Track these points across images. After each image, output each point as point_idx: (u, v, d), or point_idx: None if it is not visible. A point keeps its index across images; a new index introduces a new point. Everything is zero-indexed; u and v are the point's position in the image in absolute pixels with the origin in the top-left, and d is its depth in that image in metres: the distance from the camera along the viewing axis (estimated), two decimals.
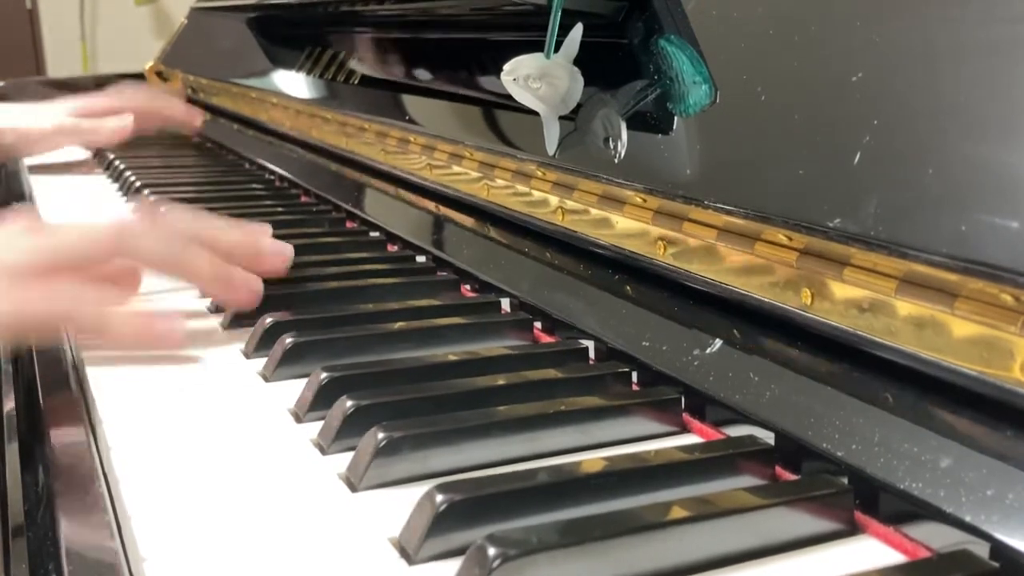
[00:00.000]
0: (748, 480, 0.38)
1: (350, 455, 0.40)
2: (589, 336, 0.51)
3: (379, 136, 0.83)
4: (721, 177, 0.44)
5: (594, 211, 0.53)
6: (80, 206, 1.02)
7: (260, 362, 0.52)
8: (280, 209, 0.91)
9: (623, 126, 0.50)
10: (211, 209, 0.88)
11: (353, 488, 0.38)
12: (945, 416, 0.34)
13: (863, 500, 0.35)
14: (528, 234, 0.61)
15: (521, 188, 0.60)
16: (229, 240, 0.59)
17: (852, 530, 0.35)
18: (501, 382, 0.46)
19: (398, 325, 0.55)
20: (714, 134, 0.46)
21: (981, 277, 0.32)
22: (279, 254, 0.60)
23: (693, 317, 0.46)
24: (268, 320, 0.54)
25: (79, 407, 0.48)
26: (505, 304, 0.59)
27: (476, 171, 0.66)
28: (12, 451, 0.47)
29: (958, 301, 0.33)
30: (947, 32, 0.36)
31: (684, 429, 0.44)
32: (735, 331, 0.44)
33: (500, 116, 0.65)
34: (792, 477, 0.38)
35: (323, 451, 0.42)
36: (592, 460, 0.38)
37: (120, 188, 1.07)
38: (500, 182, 0.63)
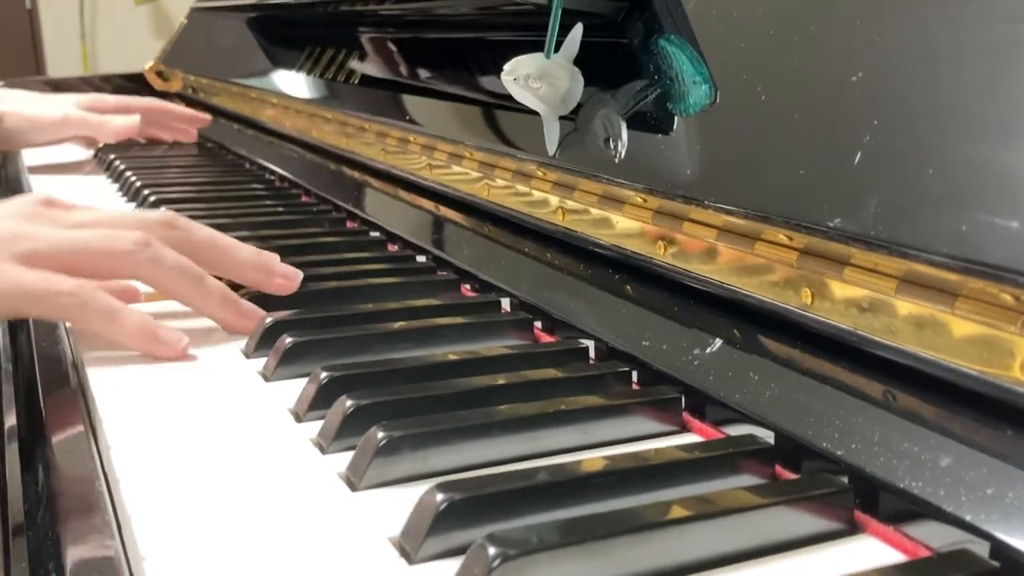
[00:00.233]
0: (748, 479, 0.38)
1: (350, 454, 0.40)
2: (589, 336, 0.51)
3: (379, 136, 0.83)
4: (721, 177, 0.44)
5: (594, 211, 0.53)
6: None
7: (260, 362, 0.52)
8: (280, 209, 0.91)
9: (623, 126, 0.51)
10: (211, 209, 0.89)
11: (353, 487, 0.38)
12: (945, 415, 0.34)
13: (863, 499, 0.35)
14: (528, 234, 0.61)
15: (521, 188, 0.60)
16: (242, 255, 0.59)
17: (852, 529, 0.35)
18: (501, 381, 0.46)
19: (398, 325, 0.55)
20: (714, 134, 0.46)
21: (981, 277, 0.32)
22: (290, 277, 0.60)
23: (693, 317, 0.46)
24: (268, 320, 0.55)
25: (79, 407, 0.48)
26: (505, 304, 0.59)
27: (476, 171, 0.66)
28: (12, 451, 0.47)
29: (958, 301, 0.33)
30: (947, 32, 0.36)
31: (684, 428, 0.44)
32: (735, 331, 0.44)
33: (500, 116, 0.65)
34: (792, 476, 0.38)
35: (323, 450, 0.42)
36: (592, 459, 0.38)
37: (120, 188, 1.07)
38: (500, 182, 0.63)
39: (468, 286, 0.64)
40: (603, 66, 0.53)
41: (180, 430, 0.44)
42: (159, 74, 1.62)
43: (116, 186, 1.10)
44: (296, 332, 0.51)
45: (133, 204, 0.99)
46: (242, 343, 0.55)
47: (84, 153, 1.32)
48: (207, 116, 1.38)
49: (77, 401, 0.49)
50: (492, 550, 0.30)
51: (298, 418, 0.45)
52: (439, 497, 0.33)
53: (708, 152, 0.46)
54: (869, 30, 0.39)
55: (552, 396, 0.44)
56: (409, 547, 0.33)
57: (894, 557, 0.33)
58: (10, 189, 1.14)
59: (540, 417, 0.42)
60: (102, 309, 0.53)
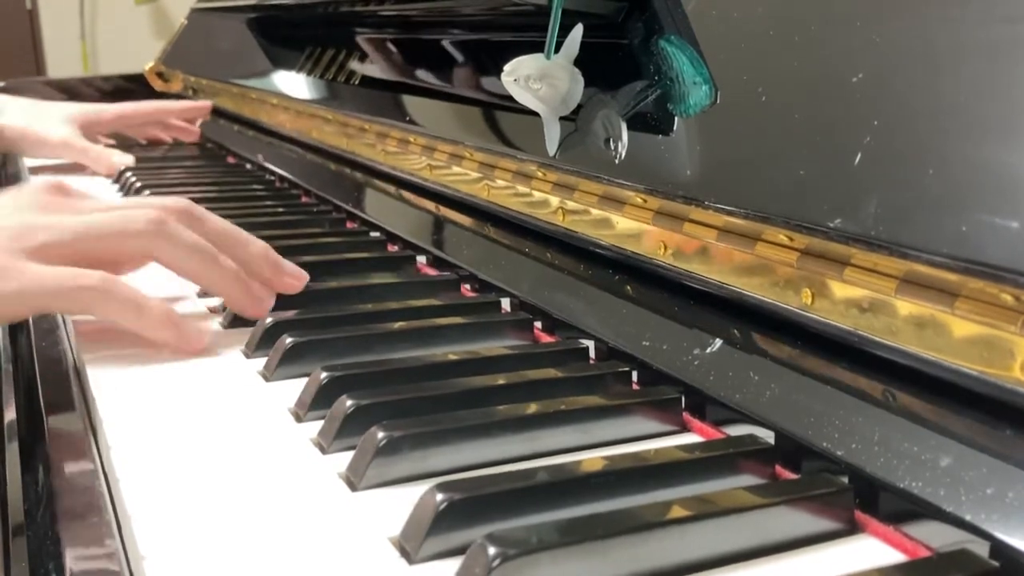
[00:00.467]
0: (748, 479, 0.38)
1: (350, 454, 0.40)
2: (589, 336, 0.51)
3: (379, 137, 0.83)
4: (721, 177, 0.44)
5: (594, 211, 0.53)
6: None
7: (260, 362, 0.52)
8: (281, 209, 0.91)
9: (623, 127, 0.51)
10: (212, 210, 0.88)
11: (353, 487, 0.38)
12: (945, 415, 0.34)
13: (863, 499, 0.35)
14: (528, 234, 0.61)
15: (521, 188, 0.60)
16: (254, 249, 0.59)
17: (852, 529, 0.35)
18: (501, 382, 0.46)
19: (398, 325, 0.55)
20: (714, 135, 0.46)
21: (981, 277, 0.32)
22: (297, 277, 0.60)
23: (693, 317, 0.46)
24: (268, 320, 0.55)
25: (79, 407, 0.48)
26: (505, 304, 0.59)
27: (476, 172, 0.66)
28: (12, 451, 0.47)
29: (958, 301, 0.33)
30: (947, 32, 0.36)
31: (684, 428, 0.44)
32: (735, 331, 0.44)
33: (500, 117, 0.65)
34: (792, 476, 0.38)
35: (323, 450, 0.42)
36: (592, 459, 0.38)
37: (120, 188, 1.07)
38: (500, 183, 0.63)
39: (468, 286, 0.64)
40: (603, 67, 0.53)
41: (180, 430, 0.44)
42: (159, 75, 1.62)
43: (116, 186, 1.10)
44: (296, 332, 0.51)
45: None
46: (242, 343, 0.55)
47: None
48: (206, 103, 1.38)
49: (77, 401, 0.48)
50: (492, 550, 0.30)
51: (298, 418, 0.45)
52: (439, 497, 0.33)
53: (708, 153, 0.46)
54: (869, 30, 0.39)
55: (552, 396, 0.44)
56: (409, 547, 0.33)
57: (894, 557, 0.33)
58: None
59: (540, 417, 0.42)
60: (127, 301, 0.52)
